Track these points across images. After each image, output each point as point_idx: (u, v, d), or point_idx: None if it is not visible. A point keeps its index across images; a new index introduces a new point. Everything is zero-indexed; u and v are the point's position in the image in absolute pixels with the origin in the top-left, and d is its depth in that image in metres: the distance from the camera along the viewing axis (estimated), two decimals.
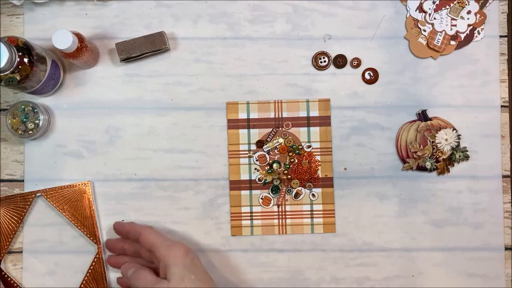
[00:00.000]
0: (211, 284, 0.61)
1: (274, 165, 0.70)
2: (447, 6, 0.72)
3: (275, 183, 0.70)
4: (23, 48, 0.63)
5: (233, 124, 0.71)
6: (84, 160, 0.71)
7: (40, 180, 0.71)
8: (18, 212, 0.68)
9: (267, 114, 0.71)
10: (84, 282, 0.68)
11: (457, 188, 0.71)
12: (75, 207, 0.68)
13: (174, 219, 0.71)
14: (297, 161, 0.70)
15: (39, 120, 0.69)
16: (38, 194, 0.68)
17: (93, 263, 0.68)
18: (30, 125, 0.68)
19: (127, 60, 0.71)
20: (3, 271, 0.68)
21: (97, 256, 0.69)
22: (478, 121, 0.72)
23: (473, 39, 0.72)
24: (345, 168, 0.71)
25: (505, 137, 0.72)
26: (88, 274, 0.68)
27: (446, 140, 0.71)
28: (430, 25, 0.72)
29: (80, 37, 0.66)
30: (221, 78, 0.72)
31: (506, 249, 0.71)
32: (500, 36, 0.72)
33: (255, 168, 0.71)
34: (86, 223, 0.68)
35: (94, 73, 0.72)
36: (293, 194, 0.70)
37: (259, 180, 0.70)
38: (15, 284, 0.68)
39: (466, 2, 0.71)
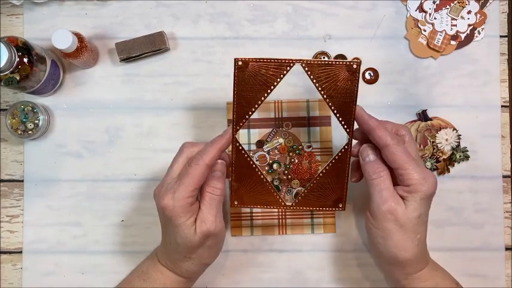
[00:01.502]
0: (426, 231, 0.59)
1: (274, 165, 0.70)
2: (447, 6, 0.71)
3: (275, 183, 0.70)
4: (22, 48, 0.63)
5: None
6: (84, 160, 0.71)
7: (40, 180, 0.71)
8: (268, 80, 0.58)
9: (267, 114, 0.71)
10: (326, 169, 0.61)
11: (457, 188, 0.71)
12: (336, 87, 0.58)
13: None
14: (297, 161, 0.70)
15: (39, 120, 0.69)
16: (297, 63, 0.57)
17: (340, 153, 0.61)
18: (30, 125, 0.68)
19: (127, 60, 0.71)
20: (238, 142, 0.60)
21: (345, 147, 0.61)
22: (478, 121, 0.71)
23: (474, 39, 0.72)
24: None
25: (505, 137, 0.72)
26: (331, 164, 0.61)
27: (446, 140, 0.71)
28: (430, 25, 0.71)
29: (79, 37, 0.66)
30: (221, 78, 0.72)
31: (506, 249, 0.71)
32: (501, 36, 0.72)
33: None
34: (343, 108, 0.59)
35: (94, 73, 0.72)
36: (293, 194, 0.70)
37: None
38: (245, 155, 0.61)
39: (466, 2, 0.71)
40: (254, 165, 0.61)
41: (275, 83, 0.58)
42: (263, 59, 0.57)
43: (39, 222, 0.71)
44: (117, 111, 0.72)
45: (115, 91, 0.72)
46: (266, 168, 0.70)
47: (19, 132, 0.68)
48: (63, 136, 0.71)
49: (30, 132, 0.68)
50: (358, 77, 0.58)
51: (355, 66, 0.57)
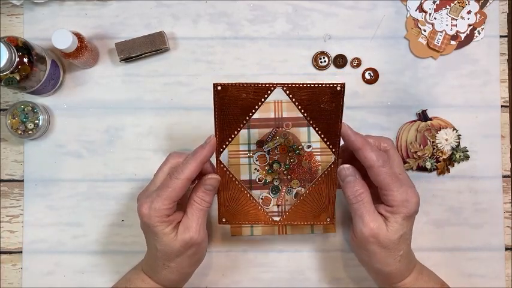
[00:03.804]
0: (409, 245, 0.60)
1: (274, 165, 0.70)
2: (447, 6, 0.71)
3: (275, 183, 0.70)
4: (22, 48, 0.63)
5: None
6: (84, 160, 0.71)
7: (40, 180, 0.71)
8: (249, 104, 0.57)
9: (267, 114, 0.71)
10: (310, 188, 0.63)
11: (457, 188, 0.71)
12: (320, 109, 0.57)
13: None
14: (297, 161, 0.70)
15: (39, 120, 0.69)
16: (279, 87, 0.56)
17: (326, 171, 0.61)
18: (30, 125, 0.68)
19: (127, 60, 0.71)
20: (222, 163, 0.61)
21: (332, 166, 0.61)
22: (478, 121, 0.71)
23: (474, 39, 0.72)
24: None
25: (505, 137, 0.72)
26: (317, 182, 0.62)
27: (446, 140, 0.71)
28: (430, 25, 0.71)
29: (79, 37, 0.66)
30: (221, 78, 0.72)
31: (506, 249, 0.71)
32: (501, 36, 0.72)
33: (255, 169, 0.70)
34: (328, 129, 0.58)
35: (94, 73, 0.72)
36: (293, 194, 0.70)
37: (259, 180, 0.70)
38: (230, 175, 0.61)
39: (466, 2, 0.71)
40: (240, 185, 0.61)
41: (256, 107, 0.57)
42: (243, 83, 0.56)
43: (39, 222, 0.71)
44: (117, 111, 0.72)
45: (115, 91, 0.72)
46: (266, 168, 0.70)
47: (19, 132, 0.68)
48: (63, 136, 0.71)
49: (30, 132, 0.68)
50: (343, 99, 0.57)
51: (338, 88, 0.56)
